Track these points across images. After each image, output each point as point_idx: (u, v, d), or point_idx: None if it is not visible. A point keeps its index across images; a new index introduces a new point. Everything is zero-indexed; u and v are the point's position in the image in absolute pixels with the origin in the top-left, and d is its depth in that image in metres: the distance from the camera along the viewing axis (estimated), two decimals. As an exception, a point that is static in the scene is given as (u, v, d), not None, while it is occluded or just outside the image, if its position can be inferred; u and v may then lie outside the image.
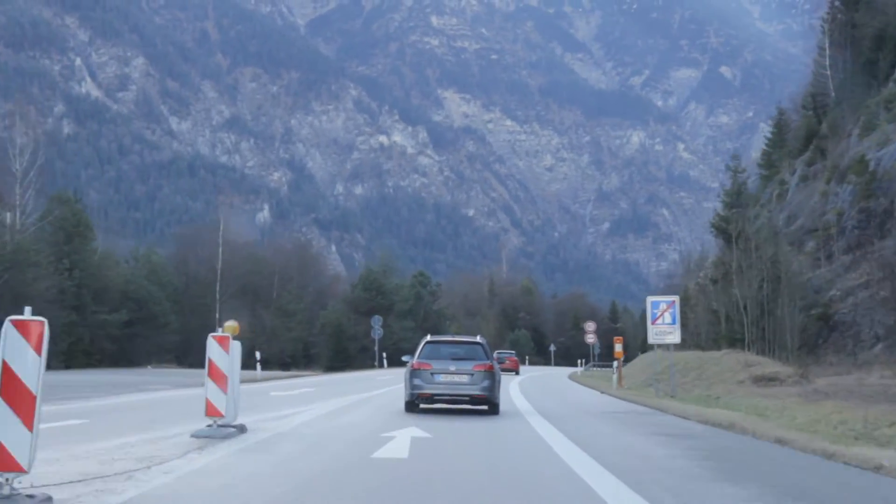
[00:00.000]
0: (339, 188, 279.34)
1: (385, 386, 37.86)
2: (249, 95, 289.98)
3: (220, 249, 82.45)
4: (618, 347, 49.25)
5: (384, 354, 79.47)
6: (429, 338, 24.86)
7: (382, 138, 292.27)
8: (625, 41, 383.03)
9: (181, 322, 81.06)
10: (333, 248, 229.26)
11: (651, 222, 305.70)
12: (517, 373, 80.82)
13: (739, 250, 55.11)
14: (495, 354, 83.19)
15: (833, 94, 72.03)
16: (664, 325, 34.45)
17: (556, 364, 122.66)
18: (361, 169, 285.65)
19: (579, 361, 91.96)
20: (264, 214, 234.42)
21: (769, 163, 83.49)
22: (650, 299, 35.94)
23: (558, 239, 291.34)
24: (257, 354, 46.21)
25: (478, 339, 25.02)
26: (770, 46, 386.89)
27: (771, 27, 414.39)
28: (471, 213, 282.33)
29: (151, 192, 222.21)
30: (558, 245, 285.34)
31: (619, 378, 46.14)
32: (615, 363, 52.63)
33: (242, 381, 17.84)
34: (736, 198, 66.99)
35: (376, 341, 79.62)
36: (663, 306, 34.70)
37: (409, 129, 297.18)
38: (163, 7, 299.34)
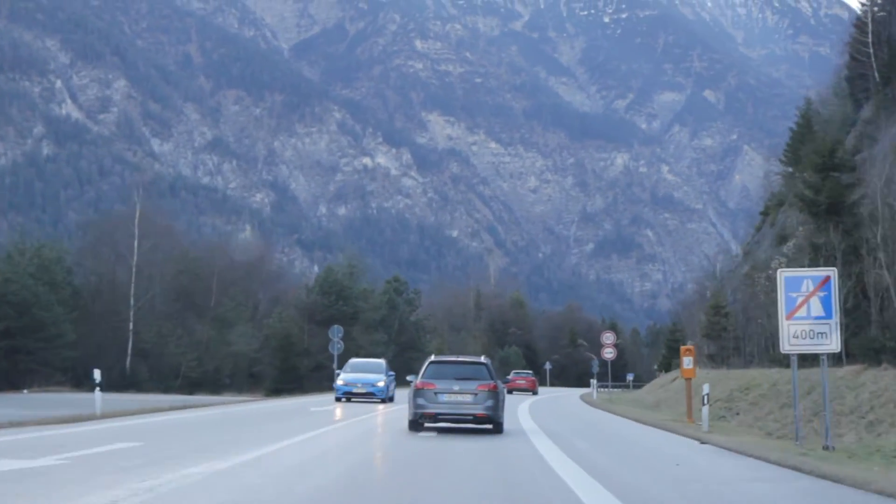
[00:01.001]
0: (323, 209, 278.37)
1: (331, 423, 27.83)
2: (232, 118, 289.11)
3: (136, 242, 68.79)
4: (687, 363, 34.27)
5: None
6: (433, 357, 25.84)
7: (366, 160, 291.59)
8: (609, 65, 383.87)
9: (83, 333, 63.43)
10: (316, 268, 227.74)
11: (635, 243, 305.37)
12: (535, 392, 79.14)
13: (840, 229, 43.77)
14: (512, 374, 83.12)
15: (877, 75, 63.32)
16: (809, 322, 20.67)
17: (552, 384, 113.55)
18: (345, 190, 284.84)
19: (592, 382, 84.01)
20: (246, 235, 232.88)
21: (796, 158, 74.63)
22: (784, 273, 21.62)
23: (542, 259, 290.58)
24: (95, 375, 29.74)
25: (482, 359, 25.73)
26: (753, 70, 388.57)
27: (754, 52, 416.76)
28: (455, 233, 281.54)
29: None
30: (542, 265, 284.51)
31: (689, 410, 33.73)
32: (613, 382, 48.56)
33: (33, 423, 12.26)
34: (829, 158, 52.41)
35: (335, 357, 64.95)
36: (808, 286, 20.79)
37: (393, 150, 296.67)
38: (145, 30, 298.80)
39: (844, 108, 71.30)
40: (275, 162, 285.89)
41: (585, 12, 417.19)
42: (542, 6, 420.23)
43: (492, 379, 24.21)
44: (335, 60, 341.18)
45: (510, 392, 78.21)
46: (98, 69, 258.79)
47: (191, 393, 64.02)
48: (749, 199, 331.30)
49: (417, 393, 23.77)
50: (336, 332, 64.07)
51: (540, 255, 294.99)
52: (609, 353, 67.12)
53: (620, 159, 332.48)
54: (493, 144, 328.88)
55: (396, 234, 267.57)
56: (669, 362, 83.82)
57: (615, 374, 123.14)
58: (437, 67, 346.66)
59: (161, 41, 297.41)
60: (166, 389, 65.17)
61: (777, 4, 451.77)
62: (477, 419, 23.96)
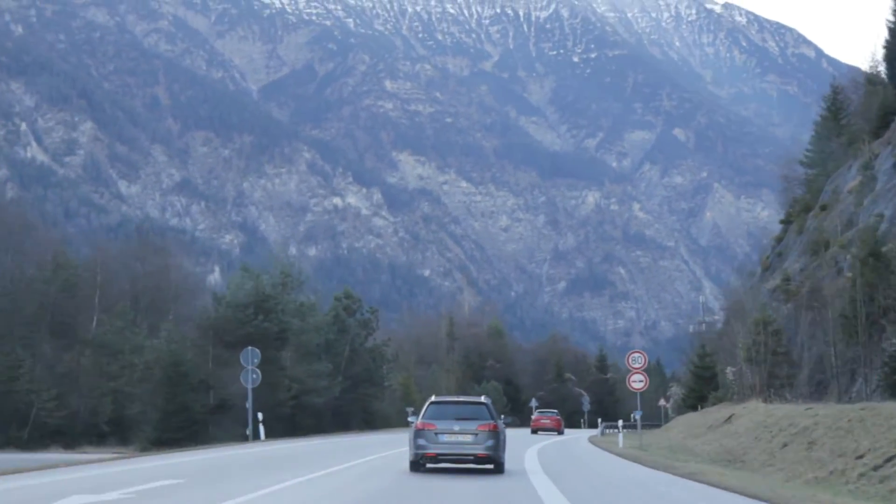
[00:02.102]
0: (293, 250, 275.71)
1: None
2: (201, 159, 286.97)
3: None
4: None
5: (260, 417, 48.77)
6: (433, 398, 25.62)
7: (336, 200, 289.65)
8: (579, 104, 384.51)
9: None
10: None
11: (608, 281, 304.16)
12: (561, 432, 74.38)
13: None
14: (535, 413, 79.32)
15: None
16: None
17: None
18: (315, 231, 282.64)
19: (599, 420, 75.82)
20: (215, 276, 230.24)
21: (821, 157, 68.82)
22: None
23: (515, 298, 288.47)
24: None
25: (482, 399, 25.73)
26: (722, 109, 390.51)
27: (723, 91, 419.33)
28: (427, 273, 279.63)
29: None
30: (515, 304, 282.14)
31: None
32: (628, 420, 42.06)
33: None
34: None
35: (249, 392, 47.99)
36: None
37: (364, 190, 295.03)
38: (112, 73, 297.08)
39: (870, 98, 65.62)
40: (244, 203, 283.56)
41: (555, 52, 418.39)
42: (511, 46, 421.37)
43: (492, 419, 24.40)
44: (304, 101, 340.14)
45: (534, 432, 73.91)
46: (64, 112, 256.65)
47: (45, 447, 51.74)
48: (720, 237, 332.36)
49: (418, 433, 24.01)
50: (250, 357, 47.87)
51: (512, 293, 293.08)
52: (638, 383, 49.44)
53: (591, 197, 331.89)
54: (464, 184, 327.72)
55: (368, 274, 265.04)
56: (701, 395, 70.98)
57: (606, 412, 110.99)
58: (407, 107, 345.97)
59: (128, 83, 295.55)
60: (6, 443, 52.12)
61: (744, 44, 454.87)
62: (478, 459, 24.10)
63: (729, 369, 60.47)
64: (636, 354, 51.59)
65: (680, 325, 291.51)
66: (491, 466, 24.58)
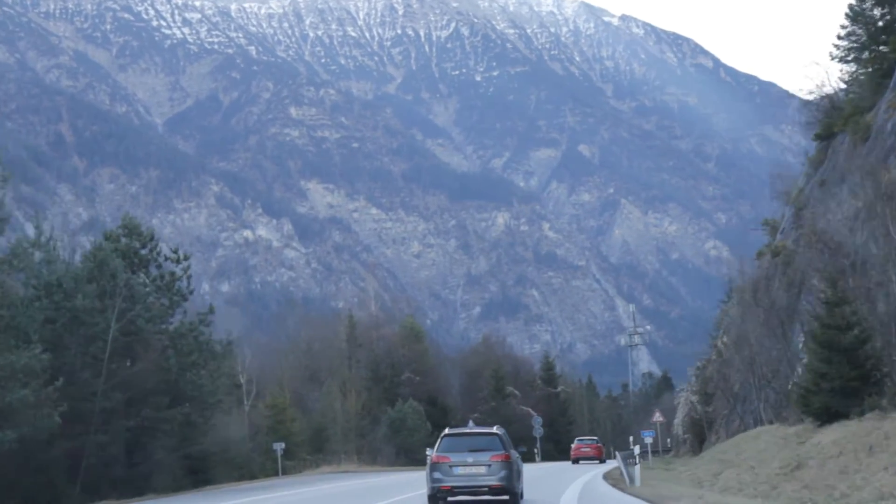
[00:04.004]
0: (206, 286, 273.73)
1: None
2: (108, 196, 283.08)
3: None
4: None
5: None
6: (447, 430, 26.23)
7: (247, 233, 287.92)
8: (483, 124, 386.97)
9: None
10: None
11: (522, 304, 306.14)
12: (602, 461, 70.76)
13: None
14: (575, 441, 75.13)
15: None
16: None
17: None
18: (227, 266, 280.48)
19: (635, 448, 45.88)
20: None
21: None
22: None
23: (430, 326, 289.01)
24: None
25: (494, 429, 26.41)
26: (625, 123, 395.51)
27: (624, 104, 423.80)
28: (340, 304, 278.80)
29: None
30: (431, 331, 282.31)
31: None
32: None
33: None
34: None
35: None
36: None
37: (274, 221, 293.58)
38: (14, 112, 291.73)
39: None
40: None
41: (457, 72, 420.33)
42: (414, 68, 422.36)
43: (504, 449, 24.84)
44: (210, 132, 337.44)
45: (575, 461, 71.25)
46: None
47: None
48: (630, 254, 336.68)
49: (434, 467, 24.58)
50: None
51: (428, 321, 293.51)
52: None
53: (501, 218, 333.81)
54: (374, 210, 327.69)
55: (282, 308, 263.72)
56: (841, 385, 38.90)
57: (554, 436, 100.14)
58: (314, 134, 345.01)
59: (31, 121, 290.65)
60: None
61: (643, 56, 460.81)
62: (492, 490, 24.56)
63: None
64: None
65: (596, 346, 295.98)
66: (506, 497, 24.88)
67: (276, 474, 66.89)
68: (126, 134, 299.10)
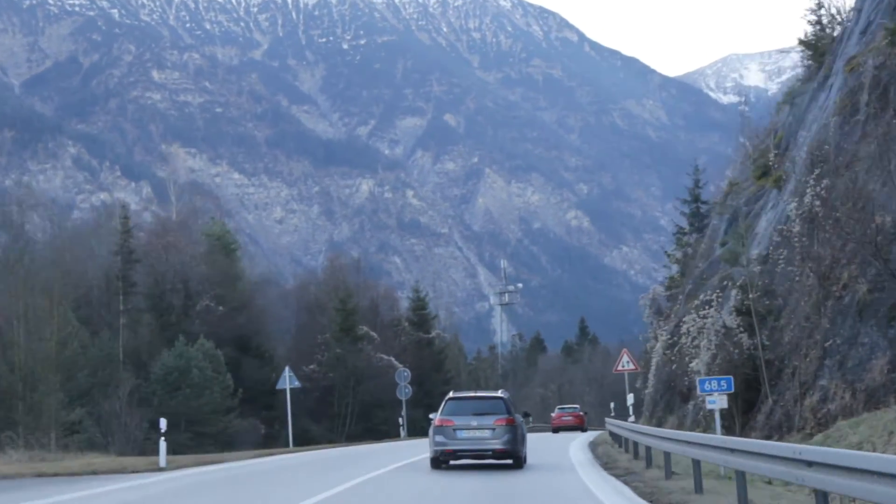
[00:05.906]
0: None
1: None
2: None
3: None
4: None
5: None
6: (451, 394, 26.24)
7: (104, 195, 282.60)
8: (350, 92, 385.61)
9: None
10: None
11: (384, 270, 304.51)
12: (584, 429, 66.31)
13: None
14: (556, 410, 75.14)
15: None
16: None
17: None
18: (83, 228, 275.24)
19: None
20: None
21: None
22: None
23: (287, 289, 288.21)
24: None
25: (499, 393, 26.55)
26: (491, 94, 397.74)
27: (490, 76, 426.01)
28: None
29: None
30: (289, 297, 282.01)
31: None
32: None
33: None
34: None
35: None
36: None
37: (133, 185, 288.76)
38: None
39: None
40: (5, 202, 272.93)
41: (324, 39, 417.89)
42: (280, 34, 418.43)
43: (509, 413, 24.78)
44: (69, 95, 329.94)
45: (555, 431, 67.28)
46: None
47: None
48: (493, 222, 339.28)
49: (437, 430, 24.49)
50: None
51: (288, 287, 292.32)
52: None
53: (365, 185, 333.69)
54: (236, 175, 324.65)
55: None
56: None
57: (424, 399, 69.49)
58: (176, 98, 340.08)
59: None
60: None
61: (510, 28, 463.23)
62: (496, 454, 24.56)
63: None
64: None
65: (456, 313, 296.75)
66: (510, 461, 25.00)
67: None
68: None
